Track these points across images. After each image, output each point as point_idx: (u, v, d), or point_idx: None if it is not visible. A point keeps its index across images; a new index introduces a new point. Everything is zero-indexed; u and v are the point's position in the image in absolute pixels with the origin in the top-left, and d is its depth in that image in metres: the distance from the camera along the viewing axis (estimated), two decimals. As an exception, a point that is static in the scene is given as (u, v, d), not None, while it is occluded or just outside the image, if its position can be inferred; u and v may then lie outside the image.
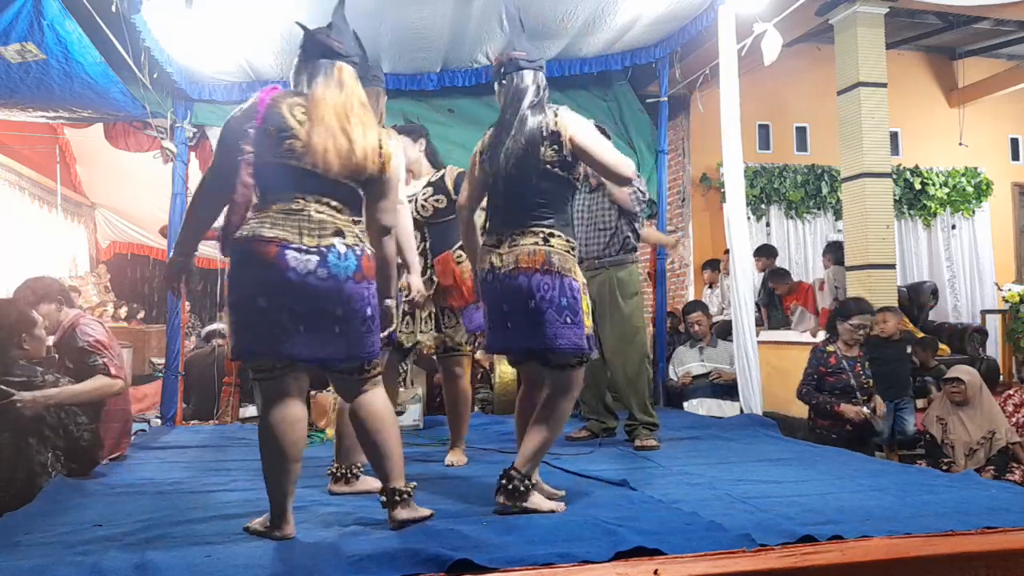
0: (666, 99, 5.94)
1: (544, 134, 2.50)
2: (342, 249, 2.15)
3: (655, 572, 1.88)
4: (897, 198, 7.24)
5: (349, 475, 2.82)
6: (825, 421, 4.38)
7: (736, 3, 4.79)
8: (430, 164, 3.52)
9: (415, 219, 3.36)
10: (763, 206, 7.46)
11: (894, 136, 6.88)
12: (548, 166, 2.49)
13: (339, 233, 2.17)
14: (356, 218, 2.28)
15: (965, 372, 4.37)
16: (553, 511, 2.48)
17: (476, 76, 5.65)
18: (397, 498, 2.27)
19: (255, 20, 4.55)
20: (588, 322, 2.51)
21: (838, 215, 7.18)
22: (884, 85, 5.27)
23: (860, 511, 2.44)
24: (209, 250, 7.34)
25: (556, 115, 2.53)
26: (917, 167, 7.79)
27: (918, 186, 7.76)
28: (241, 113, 2.23)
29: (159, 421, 4.89)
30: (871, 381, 4.37)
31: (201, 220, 2.33)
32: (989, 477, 3.92)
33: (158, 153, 5.21)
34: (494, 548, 2.02)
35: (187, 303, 6.00)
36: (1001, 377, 6.23)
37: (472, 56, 5.50)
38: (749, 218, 6.80)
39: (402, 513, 2.26)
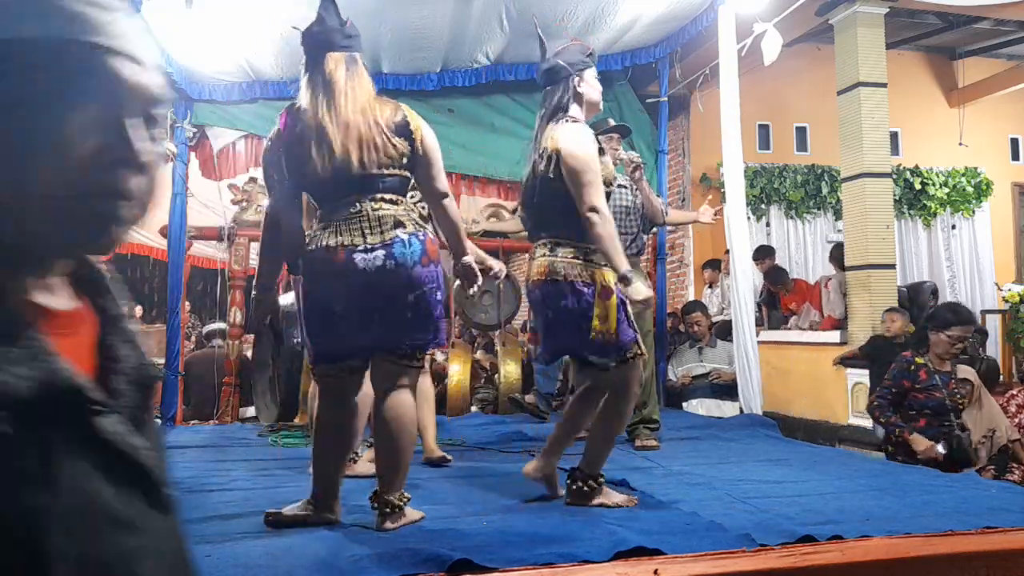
0: (666, 99, 5.94)
1: (541, 149, 2.56)
2: (405, 237, 2.21)
3: (655, 572, 1.88)
4: (897, 198, 7.24)
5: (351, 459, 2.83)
6: (898, 447, 3.75)
7: (736, 3, 4.79)
8: None
9: None
10: (763, 206, 7.46)
11: (894, 136, 6.88)
12: (550, 179, 2.52)
13: (400, 224, 2.22)
14: (411, 204, 2.34)
15: (970, 373, 4.37)
16: (620, 505, 2.54)
17: (476, 76, 5.65)
18: (389, 509, 2.27)
19: (255, 20, 4.55)
20: (600, 327, 2.47)
21: (838, 215, 7.18)
22: (884, 85, 5.27)
23: (860, 511, 2.44)
24: (209, 250, 7.35)
25: (555, 129, 2.53)
26: (917, 167, 7.79)
27: (918, 186, 7.76)
28: (270, 146, 2.33)
29: (159, 421, 4.89)
30: (965, 401, 3.86)
31: (275, 259, 2.45)
32: (989, 477, 3.92)
33: (158, 153, 5.20)
34: (494, 548, 2.02)
35: (187, 303, 6.00)
36: (1001, 377, 6.23)
37: (472, 56, 5.50)
38: (749, 218, 6.79)
39: (390, 524, 2.27)
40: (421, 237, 2.24)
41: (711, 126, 5.43)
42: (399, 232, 2.21)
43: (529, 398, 4.76)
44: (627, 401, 2.60)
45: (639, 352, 2.56)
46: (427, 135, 2.33)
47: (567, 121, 2.55)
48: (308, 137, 2.22)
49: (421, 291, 2.22)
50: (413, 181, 2.40)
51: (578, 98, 2.59)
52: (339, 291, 2.19)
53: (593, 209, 2.42)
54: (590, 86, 2.63)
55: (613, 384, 2.58)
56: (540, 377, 4.86)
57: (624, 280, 2.43)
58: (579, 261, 2.51)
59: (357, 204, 2.22)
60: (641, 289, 2.53)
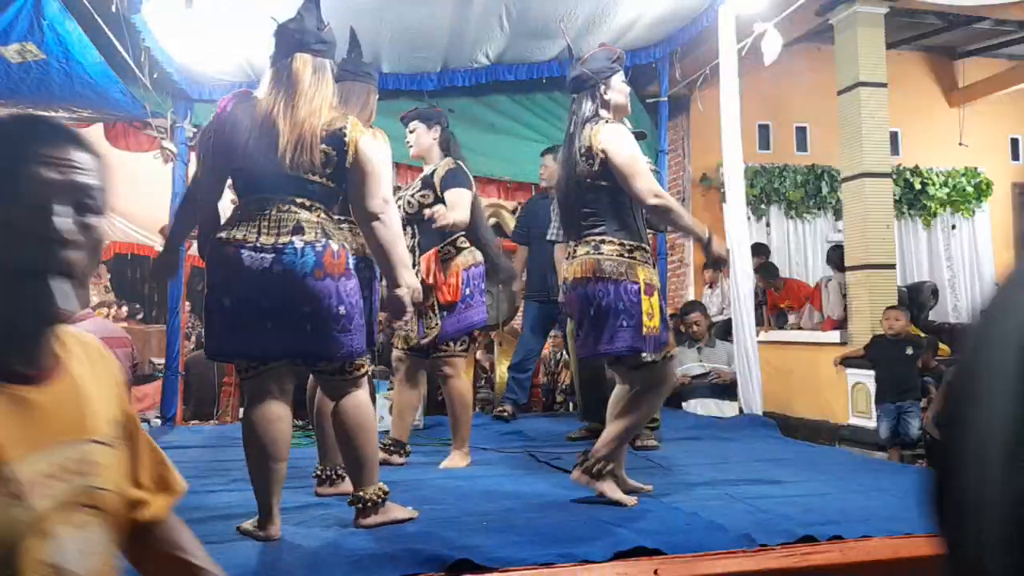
0: (666, 99, 5.94)
1: (582, 150, 2.59)
2: (299, 245, 2.13)
3: (655, 572, 1.88)
4: (897, 198, 7.24)
5: (334, 476, 2.81)
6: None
7: (736, 3, 4.79)
8: (443, 152, 3.41)
9: (402, 216, 3.33)
10: (763, 206, 7.46)
11: (894, 136, 6.88)
12: (588, 179, 2.58)
13: (298, 230, 2.15)
14: (330, 215, 2.27)
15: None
16: (619, 503, 2.54)
17: (476, 76, 5.65)
18: (362, 505, 2.28)
19: (255, 20, 4.54)
20: (649, 323, 2.52)
21: (838, 215, 7.17)
22: (884, 85, 5.27)
23: (860, 511, 2.44)
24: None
25: (595, 130, 2.59)
26: (917, 167, 7.78)
27: (918, 186, 7.76)
28: (208, 124, 2.32)
29: (159, 421, 4.89)
30: None
31: (185, 224, 2.45)
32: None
33: (158, 153, 5.21)
34: (494, 548, 2.02)
35: (187, 303, 6.01)
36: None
37: (472, 56, 5.49)
38: (749, 218, 6.79)
39: (369, 520, 2.27)
40: (318, 248, 2.14)
41: (711, 126, 5.42)
42: (295, 238, 2.13)
43: (504, 408, 4.74)
44: (656, 397, 2.67)
45: (673, 352, 2.63)
46: (364, 149, 2.23)
47: (605, 122, 2.61)
48: (253, 126, 2.18)
49: (317, 305, 2.13)
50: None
51: (605, 105, 2.66)
52: (229, 285, 2.15)
53: (656, 195, 2.52)
54: (617, 92, 2.69)
55: (642, 382, 2.62)
56: (513, 384, 4.86)
57: (710, 241, 2.56)
58: (624, 259, 2.55)
59: (266, 203, 2.18)
60: (720, 243, 2.64)
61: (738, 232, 4.84)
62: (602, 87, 2.67)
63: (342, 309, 2.18)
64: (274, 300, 2.13)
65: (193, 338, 7.75)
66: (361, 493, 2.28)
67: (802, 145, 7.66)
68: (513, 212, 5.96)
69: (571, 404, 5.04)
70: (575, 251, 2.64)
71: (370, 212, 2.23)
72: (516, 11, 4.96)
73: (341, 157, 2.21)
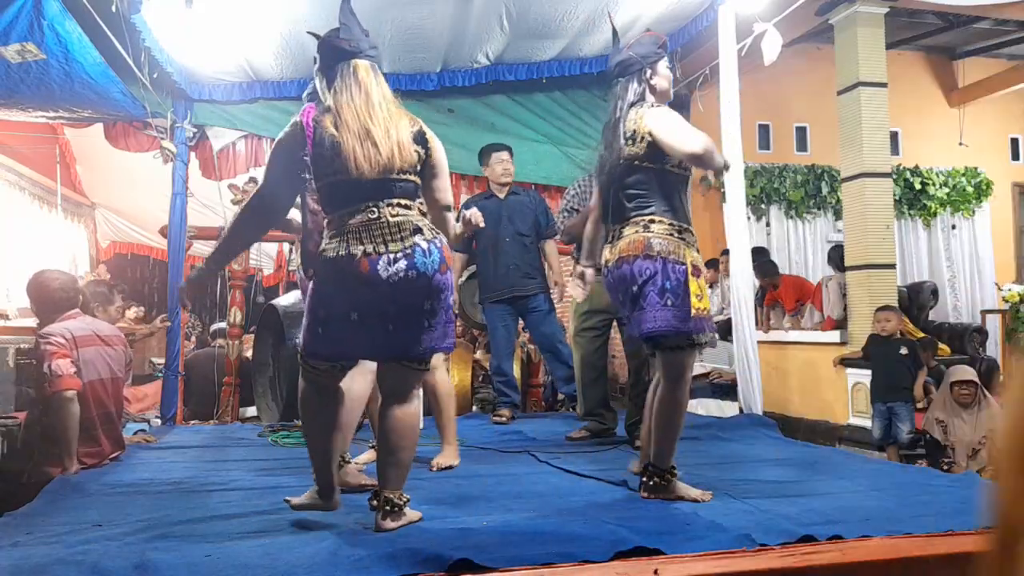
0: (666, 99, 5.93)
1: (628, 133, 2.64)
2: (424, 245, 2.22)
3: (655, 572, 1.88)
4: (897, 198, 7.24)
5: (340, 463, 2.77)
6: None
7: (736, 3, 4.79)
8: None
9: None
10: (763, 206, 7.46)
11: (894, 136, 6.88)
12: (636, 161, 2.62)
13: (418, 231, 2.24)
14: (423, 209, 2.37)
15: (971, 373, 4.36)
16: (696, 499, 2.58)
17: (476, 76, 5.65)
18: (389, 508, 2.28)
19: (255, 20, 4.55)
20: (698, 304, 2.53)
21: (838, 215, 7.18)
22: (884, 85, 5.26)
23: (860, 511, 2.44)
24: (208, 250, 7.34)
25: (640, 113, 2.64)
26: (917, 167, 7.79)
27: (918, 186, 7.76)
28: (290, 139, 2.31)
29: (159, 421, 4.89)
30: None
31: (243, 240, 2.49)
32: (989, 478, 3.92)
33: (158, 153, 5.21)
34: (494, 548, 2.02)
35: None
36: (1001, 377, 6.23)
37: (472, 56, 5.50)
38: (749, 218, 6.79)
39: (391, 524, 2.27)
40: (439, 244, 2.27)
41: (711, 126, 5.41)
42: (418, 239, 2.22)
43: (501, 412, 4.74)
44: (683, 390, 2.66)
45: (705, 340, 2.60)
46: (439, 148, 2.39)
47: (651, 106, 2.67)
48: (346, 136, 2.22)
49: (438, 299, 2.25)
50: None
51: (652, 89, 2.72)
52: (358, 298, 2.19)
53: (704, 149, 2.49)
54: (662, 77, 2.75)
55: (672, 370, 2.62)
56: (501, 387, 4.85)
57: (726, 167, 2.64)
58: (674, 239, 2.57)
59: (375, 210, 2.22)
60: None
61: (738, 232, 4.83)
62: (648, 71, 2.72)
63: (452, 301, 2.33)
64: (405, 302, 2.20)
65: (193, 338, 7.75)
66: (391, 495, 2.29)
67: (802, 145, 7.66)
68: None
69: (571, 406, 5.04)
70: (620, 232, 2.64)
71: (447, 204, 2.43)
72: (516, 11, 4.96)
73: (428, 155, 2.34)
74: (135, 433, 4.07)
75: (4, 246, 5.87)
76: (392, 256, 2.18)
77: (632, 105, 2.70)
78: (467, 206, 4.84)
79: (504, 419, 4.65)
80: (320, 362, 2.32)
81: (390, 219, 2.22)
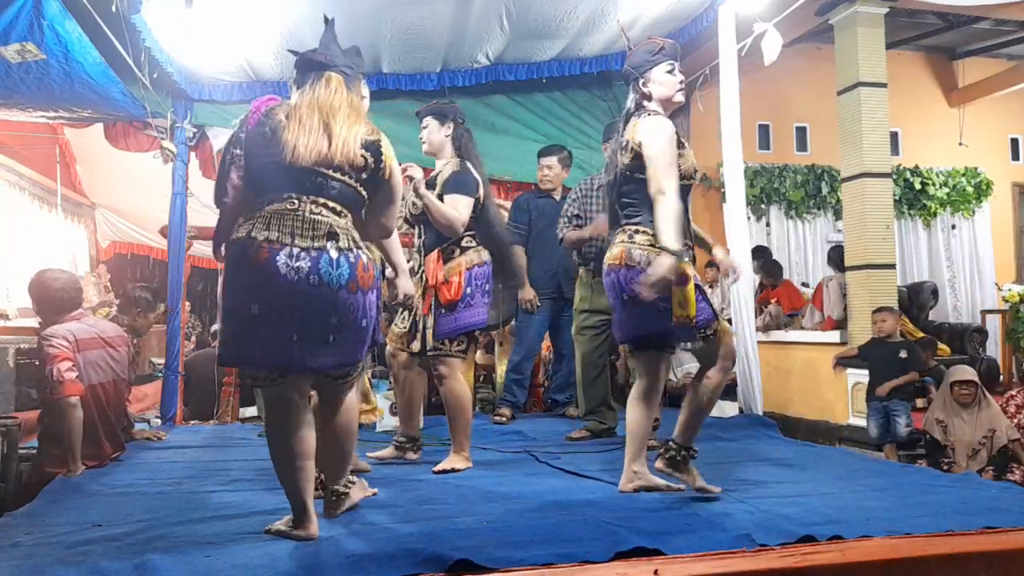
0: (666, 99, 5.92)
1: (623, 143, 2.69)
2: (334, 255, 2.09)
3: (655, 572, 1.88)
4: (897, 198, 7.24)
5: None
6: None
7: (736, 3, 4.79)
8: (455, 150, 3.35)
9: (407, 217, 3.33)
10: (763, 206, 7.46)
11: (894, 136, 6.88)
12: (627, 171, 2.67)
13: (332, 236, 2.11)
14: (355, 222, 2.26)
15: (971, 373, 4.36)
16: (704, 489, 2.63)
17: (476, 76, 5.65)
18: (335, 498, 2.41)
19: (255, 20, 4.55)
20: (680, 311, 2.55)
21: (838, 215, 7.18)
22: (884, 85, 5.26)
23: (860, 511, 2.44)
24: (208, 250, 7.34)
25: (634, 123, 2.68)
26: (917, 167, 7.79)
27: (918, 186, 7.76)
28: (238, 122, 2.28)
29: (159, 421, 4.89)
30: None
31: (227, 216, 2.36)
32: (989, 478, 3.92)
33: (158, 153, 5.21)
34: (494, 548, 2.02)
35: (187, 303, 6.01)
36: (1001, 377, 6.23)
37: (472, 56, 5.50)
38: (749, 218, 6.79)
39: (334, 511, 2.40)
40: (352, 259, 2.12)
41: (711, 126, 5.43)
42: (329, 244, 2.09)
43: (502, 412, 4.74)
44: (721, 371, 2.71)
45: (717, 329, 2.66)
46: (396, 171, 2.30)
47: (647, 115, 2.68)
48: (292, 123, 2.16)
49: (346, 318, 2.12)
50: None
51: (647, 97, 2.74)
52: (258, 290, 2.06)
53: (659, 191, 2.55)
54: (658, 84, 2.74)
55: (706, 358, 2.73)
56: (512, 385, 4.85)
57: (677, 255, 2.49)
58: (653, 248, 2.58)
59: (298, 202, 2.12)
60: (660, 265, 2.49)
61: (738, 232, 4.83)
62: (641, 80, 2.74)
63: (364, 323, 2.19)
64: (305, 309, 2.07)
65: (193, 338, 7.74)
66: (337, 487, 2.40)
67: (802, 145, 7.66)
68: (512, 212, 5.95)
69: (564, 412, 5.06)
70: (613, 240, 2.73)
71: (388, 230, 2.42)
72: (516, 11, 4.96)
73: (377, 168, 2.23)
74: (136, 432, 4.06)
75: (4, 246, 5.86)
76: (294, 251, 2.05)
77: (631, 115, 2.74)
78: (519, 201, 4.91)
79: (504, 419, 4.65)
80: (233, 365, 2.31)
81: (307, 214, 2.10)
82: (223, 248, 2.21)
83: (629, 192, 2.69)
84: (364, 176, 2.22)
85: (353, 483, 2.48)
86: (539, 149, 4.98)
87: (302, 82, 2.30)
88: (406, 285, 2.90)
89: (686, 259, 2.58)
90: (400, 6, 4.71)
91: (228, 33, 4.61)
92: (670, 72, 2.74)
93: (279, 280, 2.04)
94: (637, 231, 2.64)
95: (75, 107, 4.55)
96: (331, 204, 2.16)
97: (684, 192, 2.68)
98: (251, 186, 2.20)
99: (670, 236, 2.49)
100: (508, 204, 5.98)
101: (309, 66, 2.32)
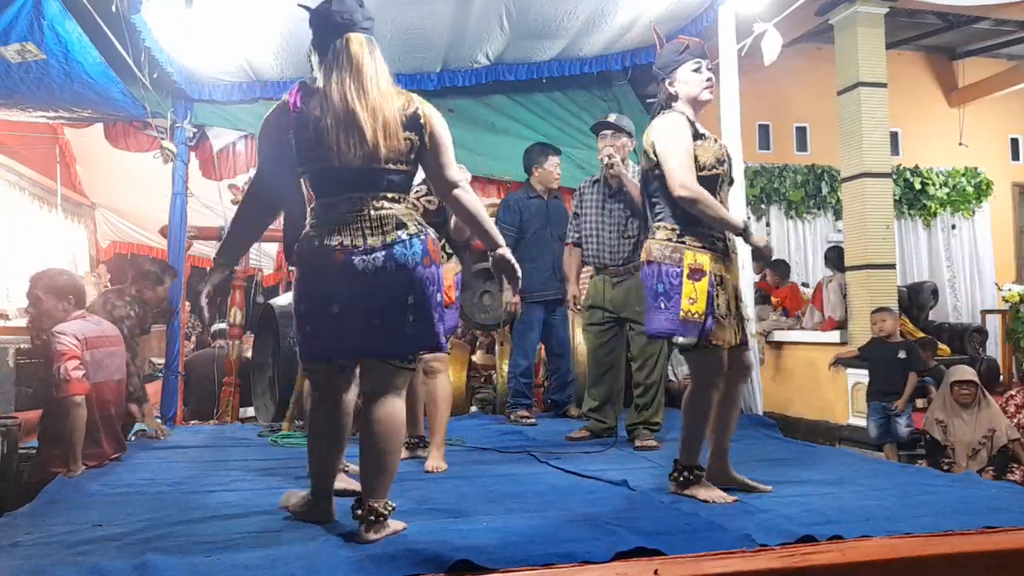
0: (666, 99, 5.92)
1: (646, 143, 2.72)
2: (406, 238, 2.14)
3: (655, 572, 1.88)
4: (897, 198, 7.24)
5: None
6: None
7: (736, 3, 4.80)
8: None
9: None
10: (763, 206, 7.46)
11: (894, 136, 6.88)
12: (647, 172, 2.73)
13: (401, 225, 2.15)
14: (413, 201, 2.32)
15: (971, 373, 4.36)
16: (714, 501, 2.59)
17: (476, 76, 5.65)
18: (373, 518, 2.14)
19: (255, 20, 4.55)
20: (688, 307, 2.56)
21: (838, 215, 7.18)
22: (884, 85, 5.27)
23: (860, 511, 2.44)
24: (208, 250, 7.35)
25: (651, 124, 2.73)
26: (917, 167, 7.78)
27: (918, 186, 7.76)
28: (275, 120, 2.18)
29: (159, 421, 4.89)
30: None
31: (248, 232, 2.36)
32: (989, 478, 3.92)
33: (158, 153, 5.21)
34: (494, 548, 2.02)
35: (187, 303, 6.01)
36: (1001, 377, 6.23)
37: (472, 56, 5.50)
38: (749, 218, 6.79)
39: (373, 536, 2.12)
40: (423, 237, 2.17)
41: (711, 126, 5.41)
42: (400, 233, 2.13)
43: (522, 415, 4.74)
44: (702, 391, 2.68)
45: (716, 342, 2.62)
46: (437, 124, 2.22)
47: (662, 114, 2.74)
48: (329, 121, 2.09)
49: (421, 293, 2.15)
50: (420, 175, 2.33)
51: (673, 98, 2.77)
52: (336, 291, 2.11)
53: (682, 186, 2.58)
54: (684, 83, 2.76)
55: (692, 370, 2.74)
56: (524, 390, 4.85)
57: (746, 232, 2.65)
58: (671, 243, 2.62)
59: (360, 202, 2.13)
60: (759, 237, 2.70)
61: (738, 232, 4.83)
62: (667, 80, 2.77)
63: (439, 296, 2.22)
64: (386, 296, 2.12)
65: (193, 338, 7.75)
66: (375, 505, 2.14)
67: (802, 145, 7.66)
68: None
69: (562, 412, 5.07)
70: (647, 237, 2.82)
71: (452, 181, 2.27)
72: (516, 11, 4.97)
73: (422, 140, 2.19)
74: (135, 433, 4.06)
75: (4, 246, 5.86)
76: (369, 249, 2.10)
77: (654, 115, 2.80)
78: (509, 201, 4.89)
79: (533, 420, 4.67)
80: (314, 363, 2.27)
81: (372, 212, 2.13)
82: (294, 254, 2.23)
83: (653, 191, 2.74)
84: (412, 156, 2.20)
85: (394, 508, 2.21)
86: (543, 144, 4.96)
87: (322, 48, 2.17)
88: (512, 260, 2.42)
89: (701, 252, 2.60)
90: (400, 6, 4.72)
91: (228, 33, 4.61)
92: (696, 71, 2.74)
93: (359, 279, 2.10)
94: (659, 227, 2.69)
95: (75, 107, 4.55)
96: (389, 194, 2.17)
97: (709, 183, 2.65)
98: (313, 189, 2.22)
99: (734, 218, 2.64)
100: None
101: (326, 27, 2.17)
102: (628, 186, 3.93)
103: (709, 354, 2.63)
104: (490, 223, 2.35)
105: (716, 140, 2.79)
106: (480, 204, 2.36)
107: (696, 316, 2.56)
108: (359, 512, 2.16)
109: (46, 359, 3.19)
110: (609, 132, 4.08)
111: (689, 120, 2.72)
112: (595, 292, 4.11)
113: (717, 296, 2.61)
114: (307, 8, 2.23)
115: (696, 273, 2.58)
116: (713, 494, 2.63)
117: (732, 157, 2.86)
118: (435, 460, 3.29)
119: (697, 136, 2.69)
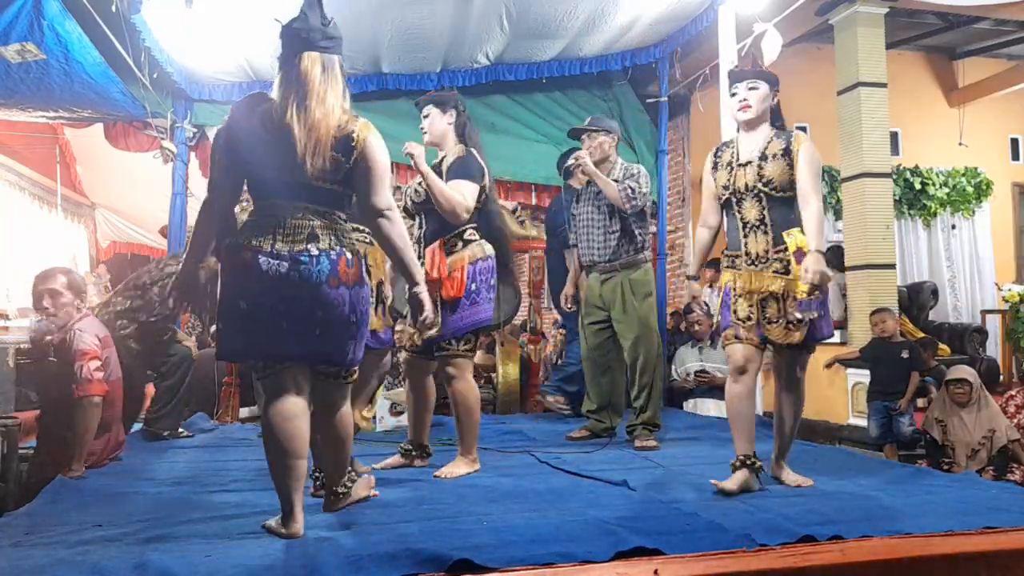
0: (666, 99, 5.94)
1: None
2: (314, 252, 2.17)
3: (655, 572, 1.89)
4: (897, 198, 7.24)
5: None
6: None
7: (736, 3, 4.79)
8: (458, 138, 3.22)
9: (407, 205, 3.23)
10: (763, 206, 7.44)
11: (894, 136, 6.88)
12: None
13: (313, 238, 2.19)
14: (343, 220, 2.29)
15: (969, 372, 4.36)
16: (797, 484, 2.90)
17: (476, 76, 5.64)
18: (334, 497, 2.49)
19: (255, 20, 4.54)
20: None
21: (838, 215, 7.17)
22: (884, 85, 5.27)
23: (860, 511, 2.44)
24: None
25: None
26: (917, 167, 7.78)
27: (918, 186, 7.75)
28: (223, 125, 2.32)
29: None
30: None
31: (206, 239, 2.37)
32: (989, 478, 3.92)
33: (158, 153, 5.21)
34: (494, 548, 2.02)
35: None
36: (1001, 377, 6.23)
37: (472, 56, 5.49)
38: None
39: (340, 506, 2.49)
40: (332, 256, 2.19)
41: (711, 126, 5.42)
42: (309, 246, 2.17)
43: (552, 399, 4.75)
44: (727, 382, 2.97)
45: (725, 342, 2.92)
46: (371, 149, 2.25)
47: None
48: (269, 132, 2.19)
49: (328, 311, 2.19)
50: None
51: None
52: (245, 289, 2.17)
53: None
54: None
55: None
56: (560, 383, 4.84)
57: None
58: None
59: (280, 208, 2.21)
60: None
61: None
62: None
63: (353, 317, 2.25)
64: (289, 304, 2.17)
65: (193, 338, 7.73)
66: (336, 488, 2.48)
67: (802, 145, 7.64)
68: (514, 212, 5.94)
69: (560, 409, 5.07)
70: None
71: (377, 209, 2.28)
72: (516, 11, 4.96)
73: (354, 161, 2.24)
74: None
75: (4, 246, 5.87)
76: (275, 253, 2.15)
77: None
78: (559, 206, 4.84)
79: (568, 411, 4.72)
80: (230, 359, 2.43)
81: (288, 220, 2.19)
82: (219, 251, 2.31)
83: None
84: (340, 176, 2.25)
85: (353, 482, 2.53)
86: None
87: (283, 61, 2.29)
88: (425, 301, 2.51)
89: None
90: (400, 6, 4.71)
91: (228, 33, 4.60)
92: (731, 94, 2.95)
93: (261, 278, 2.15)
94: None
95: (75, 107, 4.55)
96: (313, 207, 2.23)
97: (725, 206, 2.97)
98: (249, 191, 2.31)
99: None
100: (508, 204, 5.99)
101: (288, 43, 2.29)
102: (599, 183, 3.90)
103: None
104: (412, 258, 2.41)
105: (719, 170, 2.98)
106: (406, 237, 2.38)
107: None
108: (320, 492, 2.53)
109: (61, 356, 3.17)
110: (586, 136, 4.04)
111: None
112: (589, 291, 4.11)
113: (735, 303, 2.87)
114: (279, 22, 2.34)
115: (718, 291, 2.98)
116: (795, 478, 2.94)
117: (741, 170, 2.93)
118: (451, 466, 3.15)
119: (714, 167, 2.99)
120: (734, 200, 2.88)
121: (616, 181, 3.90)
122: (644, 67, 5.91)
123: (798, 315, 2.72)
